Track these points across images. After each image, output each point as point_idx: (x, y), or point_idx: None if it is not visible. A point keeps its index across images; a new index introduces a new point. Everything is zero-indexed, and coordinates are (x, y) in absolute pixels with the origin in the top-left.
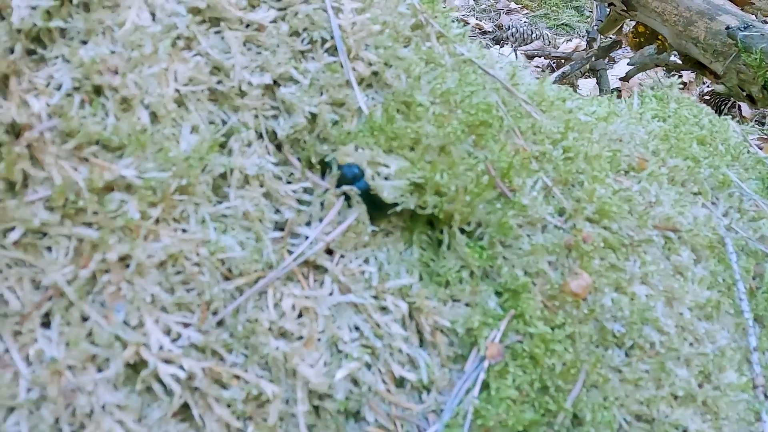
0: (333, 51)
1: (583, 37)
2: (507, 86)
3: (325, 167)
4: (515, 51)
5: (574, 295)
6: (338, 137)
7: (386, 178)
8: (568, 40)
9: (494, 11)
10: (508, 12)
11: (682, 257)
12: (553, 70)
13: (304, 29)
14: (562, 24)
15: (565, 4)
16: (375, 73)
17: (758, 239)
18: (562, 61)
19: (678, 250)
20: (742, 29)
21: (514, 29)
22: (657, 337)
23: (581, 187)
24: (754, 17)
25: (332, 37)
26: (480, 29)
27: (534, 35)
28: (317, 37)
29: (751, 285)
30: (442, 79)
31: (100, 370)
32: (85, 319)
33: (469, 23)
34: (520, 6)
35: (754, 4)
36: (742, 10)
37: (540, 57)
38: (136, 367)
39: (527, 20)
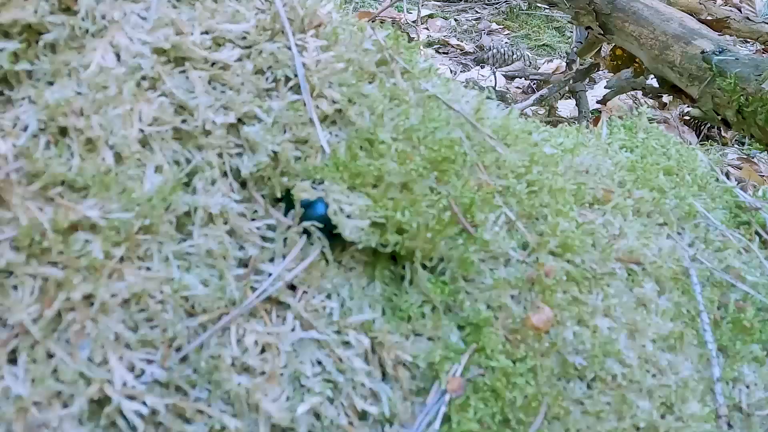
0: (297, 89)
1: (563, 58)
2: (471, 121)
3: (290, 204)
4: (494, 72)
5: (535, 329)
6: (303, 171)
7: (348, 216)
8: (549, 61)
9: (476, 32)
10: (490, 33)
11: (645, 289)
12: (533, 91)
13: (269, 68)
14: (543, 45)
15: (547, 25)
16: (339, 111)
17: (723, 269)
18: (542, 82)
19: (641, 283)
20: (717, 53)
21: (495, 50)
22: (619, 370)
23: (545, 221)
24: (730, 40)
25: (296, 76)
26: (461, 50)
27: (515, 56)
28: (281, 75)
29: (715, 315)
30: (405, 116)
31: (65, 406)
32: (50, 356)
33: (450, 44)
34: (501, 27)
35: (730, 27)
36: (720, 34)
37: (521, 78)
38: (101, 402)
39: (508, 41)
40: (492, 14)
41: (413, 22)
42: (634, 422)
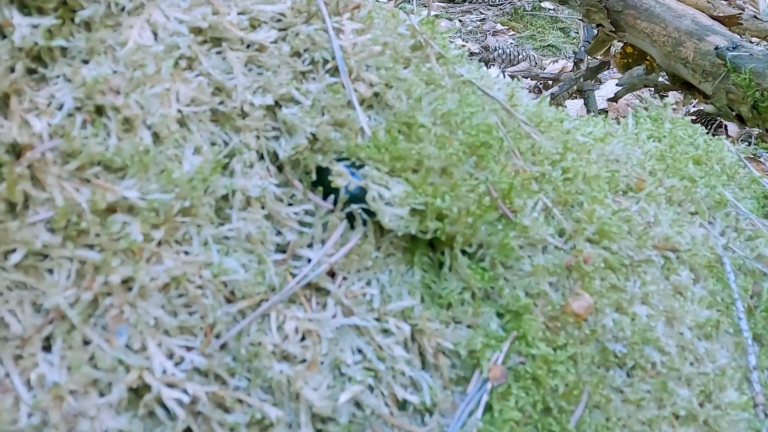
0: (334, 72)
1: (569, 58)
2: (506, 107)
3: (328, 188)
4: (503, 72)
5: (575, 316)
6: (347, 150)
7: (388, 204)
8: (554, 61)
9: (480, 32)
10: (495, 33)
11: (681, 277)
12: (540, 91)
13: (305, 50)
14: (548, 45)
15: (551, 26)
16: (376, 94)
17: (755, 258)
18: (549, 82)
19: (677, 270)
20: (731, 49)
21: (500, 50)
22: (658, 357)
23: (581, 208)
24: (739, 37)
25: (333, 58)
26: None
27: (521, 56)
28: (318, 57)
29: (749, 304)
30: (442, 100)
31: (102, 394)
32: (87, 342)
33: (455, 44)
34: (507, 27)
35: (741, 24)
36: (730, 30)
37: (527, 78)
38: (138, 391)
39: (513, 41)
40: (497, 15)
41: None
42: (674, 410)
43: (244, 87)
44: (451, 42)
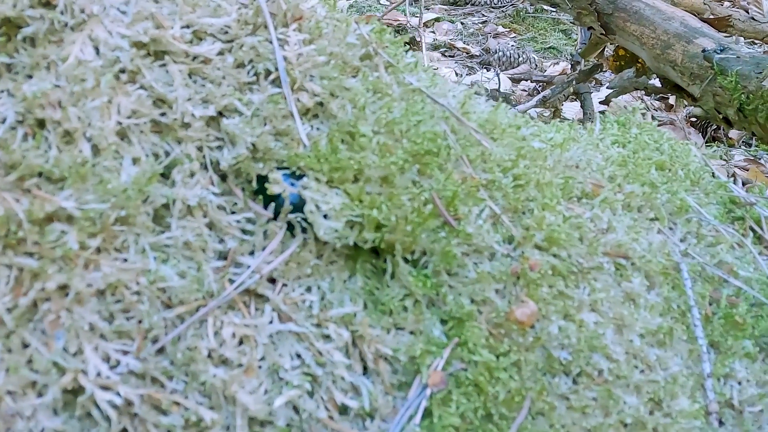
0: (278, 82)
1: (569, 60)
2: (456, 115)
3: (269, 197)
4: (498, 75)
5: (519, 323)
6: (287, 159)
7: (325, 216)
8: (555, 63)
9: (482, 35)
10: (496, 36)
11: (633, 284)
12: (538, 93)
13: (250, 61)
14: (550, 47)
15: (553, 28)
16: (320, 104)
17: (716, 264)
18: (546, 83)
19: (630, 277)
20: (719, 52)
21: (501, 53)
22: (605, 365)
23: (531, 215)
24: (733, 40)
25: (277, 69)
26: (467, 53)
27: (521, 59)
28: (262, 69)
29: (706, 311)
30: (387, 109)
31: (40, 395)
32: (26, 345)
33: (456, 47)
34: (508, 30)
35: (733, 26)
36: (723, 32)
37: (526, 80)
38: (76, 393)
39: (514, 44)
40: (498, 17)
41: (423, 24)
42: (620, 418)
43: (185, 99)
44: (405, 51)
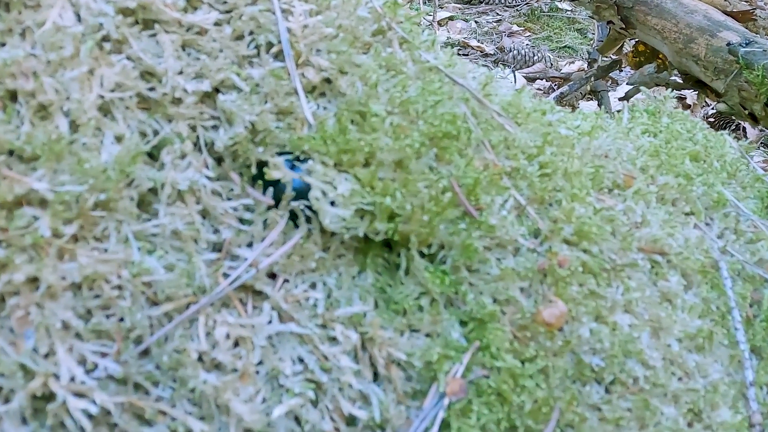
0: (281, 56)
1: (585, 59)
2: (477, 96)
3: (268, 182)
4: (513, 72)
5: (547, 325)
6: (290, 142)
7: (332, 203)
8: (570, 62)
9: (496, 34)
10: (510, 34)
11: (670, 283)
12: (554, 92)
13: (250, 33)
14: (565, 46)
15: (568, 27)
16: (328, 81)
17: (756, 263)
18: (563, 80)
19: (666, 275)
20: (744, 45)
21: (515, 51)
22: (641, 372)
23: (559, 206)
24: (756, 34)
25: (280, 41)
26: (482, 51)
27: (536, 57)
28: (263, 41)
29: (747, 313)
30: (402, 87)
31: (6, 401)
32: None
33: (470, 45)
34: (523, 29)
35: (756, 20)
36: (744, 26)
37: (542, 79)
38: (47, 399)
39: (529, 42)
40: (513, 16)
41: (436, 22)
42: (657, 430)
43: (176, 72)
44: (422, 27)
